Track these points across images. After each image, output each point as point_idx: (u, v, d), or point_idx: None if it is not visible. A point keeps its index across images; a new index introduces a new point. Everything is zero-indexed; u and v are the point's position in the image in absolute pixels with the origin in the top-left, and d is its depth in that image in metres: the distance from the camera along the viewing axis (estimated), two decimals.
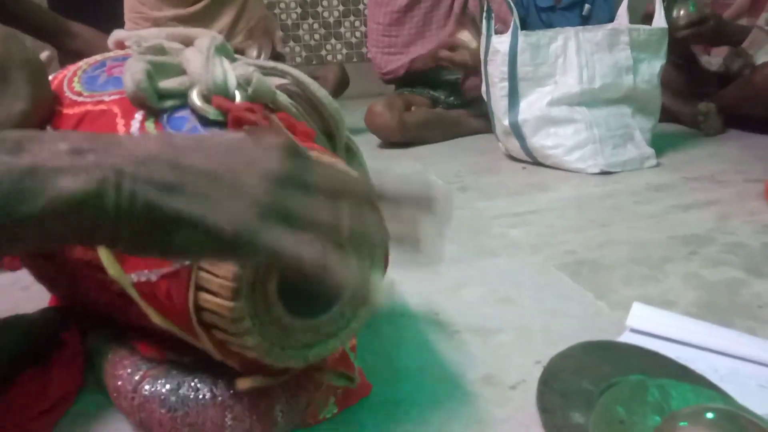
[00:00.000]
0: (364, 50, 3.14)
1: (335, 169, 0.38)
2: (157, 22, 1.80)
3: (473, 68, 1.76)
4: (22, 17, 1.23)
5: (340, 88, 2.14)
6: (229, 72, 0.50)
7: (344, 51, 3.24)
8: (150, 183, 0.32)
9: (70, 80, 0.56)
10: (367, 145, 1.83)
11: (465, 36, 1.83)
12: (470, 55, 1.77)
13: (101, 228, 0.31)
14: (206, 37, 0.53)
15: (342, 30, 3.22)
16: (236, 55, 0.56)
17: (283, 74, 0.57)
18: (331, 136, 0.59)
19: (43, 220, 0.30)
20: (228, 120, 0.46)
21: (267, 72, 0.56)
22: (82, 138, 0.32)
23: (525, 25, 1.75)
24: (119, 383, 0.54)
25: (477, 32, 1.80)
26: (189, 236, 0.33)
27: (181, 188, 0.32)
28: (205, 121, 0.48)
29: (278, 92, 0.53)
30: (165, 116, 0.49)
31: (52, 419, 0.56)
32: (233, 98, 0.50)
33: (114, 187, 0.31)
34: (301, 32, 3.19)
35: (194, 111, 0.49)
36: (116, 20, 1.74)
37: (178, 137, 0.36)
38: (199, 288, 0.43)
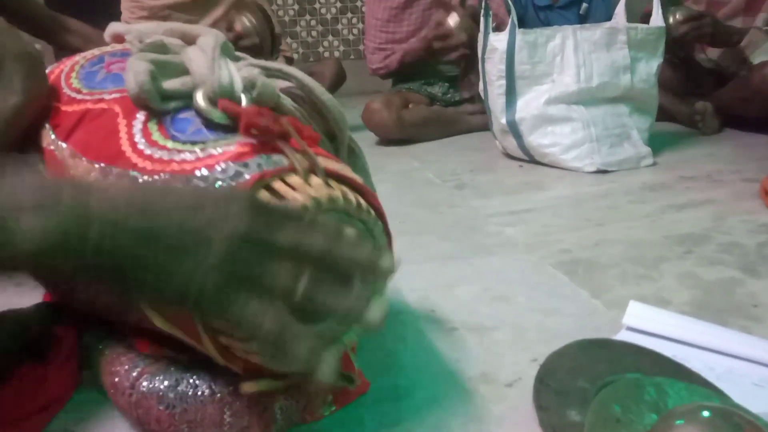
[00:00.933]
0: (361, 47, 3.13)
1: (302, 225, 0.37)
2: (153, 11, 1.79)
3: (469, 45, 1.77)
4: (19, 13, 1.22)
5: (336, 83, 2.14)
6: (235, 74, 0.50)
7: (341, 48, 3.23)
8: (117, 230, 0.31)
9: (67, 75, 0.55)
10: (364, 142, 1.81)
11: (452, 19, 1.83)
12: (464, 33, 1.77)
13: (61, 270, 0.32)
14: (210, 36, 0.52)
15: (339, 27, 3.22)
16: (238, 53, 0.56)
17: (287, 77, 0.57)
18: (333, 138, 0.59)
19: None
20: (240, 125, 0.45)
21: (271, 74, 0.56)
22: (48, 180, 0.33)
23: (523, 23, 1.75)
24: (116, 379, 0.54)
25: (464, 14, 1.81)
26: (152, 287, 0.33)
27: (149, 238, 0.32)
28: (210, 124, 0.48)
29: (282, 95, 0.53)
30: (168, 118, 0.49)
31: (47, 416, 0.56)
32: (239, 101, 0.49)
33: (77, 235, 0.31)
34: (298, 29, 3.19)
35: (198, 113, 0.48)
36: (112, 17, 1.73)
37: (146, 188, 0.36)
38: None
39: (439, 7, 1.98)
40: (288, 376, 0.50)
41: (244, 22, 1.69)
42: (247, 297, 0.34)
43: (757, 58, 1.63)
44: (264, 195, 0.43)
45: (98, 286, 0.36)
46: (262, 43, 1.73)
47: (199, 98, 0.48)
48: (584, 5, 1.95)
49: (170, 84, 0.49)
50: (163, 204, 0.33)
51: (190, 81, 0.49)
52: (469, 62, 1.86)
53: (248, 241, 0.34)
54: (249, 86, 0.50)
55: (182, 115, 0.49)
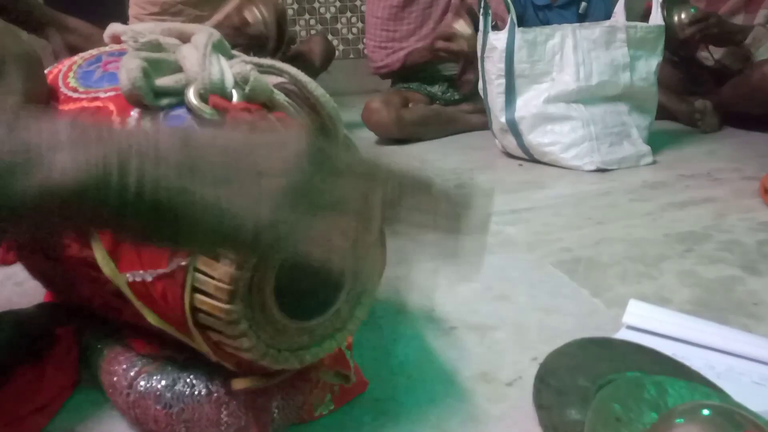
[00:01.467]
0: (360, 46, 3.13)
1: (362, 157, 0.34)
2: (164, 7, 1.79)
3: (470, 57, 1.76)
4: (17, 11, 1.22)
5: (327, 58, 2.11)
6: (226, 70, 0.50)
7: (341, 47, 3.22)
8: (159, 163, 0.28)
9: (65, 75, 0.55)
10: (364, 141, 1.82)
11: (460, 25, 1.84)
12: (467, 43, 1.77)
13: (102, 213, 0.28)
14: (203, 34, 0.52)
15: (338, 26, 3.21)
16: (234, 52, 0.55)
17: (280, 72, 0.57)
18: (328, 134, 0.59)
19: (37, 201, 0.27)
20: (225, 120, 0.46)
21: (264, 70, 0.56)
22: (85, 118, 0.30)
23: (522, 22, 1.75)
24: (114, 379, 0.54)
25: (472, 21, 1.81)
26: (203, 228, 0.29)
27: (194, 170, 0.28)
28: (202, 121, 0.48)
29: (275, 91, 0.53)
30: (161, 114, 0.49)
31: (46, 416, 0.56)
32: (230, 97, 0.49)
33: (118, 167, 0.27)
34: (297, 28, 3.18)
35: (191, 110, 0.48)
36: (113, 16, 1.73)
37: (189, 132, 0.32)
38: (195, 290, 0.43)
39: (443, 11, 1.99)
40: (281, 373, 0.50)
41: (254, 12, 1.72)
42: (309, 227, 0.30)
43: (761, 56, 1.62)
44: None
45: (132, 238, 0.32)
46: (268, 35, 1.74)
47: (191, 95, 0.48)
48: (583, 4, 1.94)
49: (163, 81, 0.49)
50: (209, 134, 0.30)
51: (183, 78, 0.49)
52: (468, 61, 1.86)
53: (313, 163, 0.30)
54: (241, 82, 0.49)
55: (175, 112, 0.49)
